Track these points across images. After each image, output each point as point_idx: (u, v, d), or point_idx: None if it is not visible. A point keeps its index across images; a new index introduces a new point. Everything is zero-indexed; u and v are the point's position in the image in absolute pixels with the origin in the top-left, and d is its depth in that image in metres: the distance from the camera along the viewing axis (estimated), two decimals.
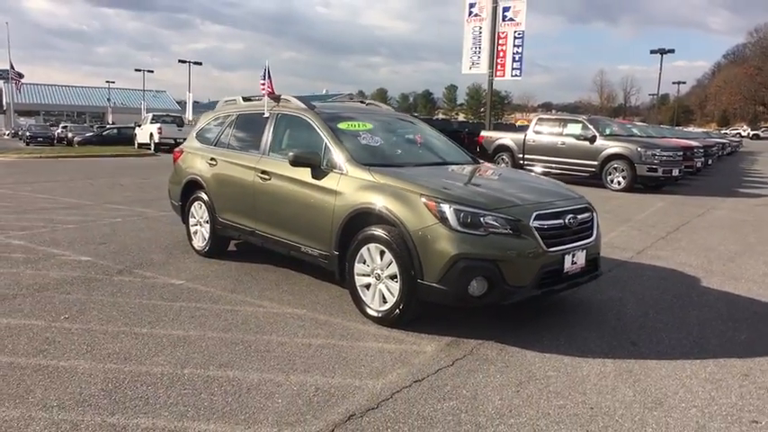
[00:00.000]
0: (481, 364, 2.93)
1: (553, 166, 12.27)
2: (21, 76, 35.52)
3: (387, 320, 3.37)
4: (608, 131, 12.61)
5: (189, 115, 31.63)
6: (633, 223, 7.53)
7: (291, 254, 4.14)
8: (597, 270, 3.71)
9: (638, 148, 11.38)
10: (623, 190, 11.28)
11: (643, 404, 2.55)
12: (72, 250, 5.19)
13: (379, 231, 3.38)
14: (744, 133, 60.94)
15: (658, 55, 37.88)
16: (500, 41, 15.40)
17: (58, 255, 5.01)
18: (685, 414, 2.48)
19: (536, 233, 3.21)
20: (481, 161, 4.72)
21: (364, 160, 3.77)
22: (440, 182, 3.52)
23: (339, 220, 3.61)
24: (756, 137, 62.07)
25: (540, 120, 13.57)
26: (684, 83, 60.76)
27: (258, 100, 4.90)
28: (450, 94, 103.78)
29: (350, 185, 3.62)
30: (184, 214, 5.23)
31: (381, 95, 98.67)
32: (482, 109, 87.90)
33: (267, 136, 4.44)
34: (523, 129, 16.28)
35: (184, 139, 21.79)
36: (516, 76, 15.45)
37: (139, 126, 24.86)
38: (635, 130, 15.40)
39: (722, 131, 52.64)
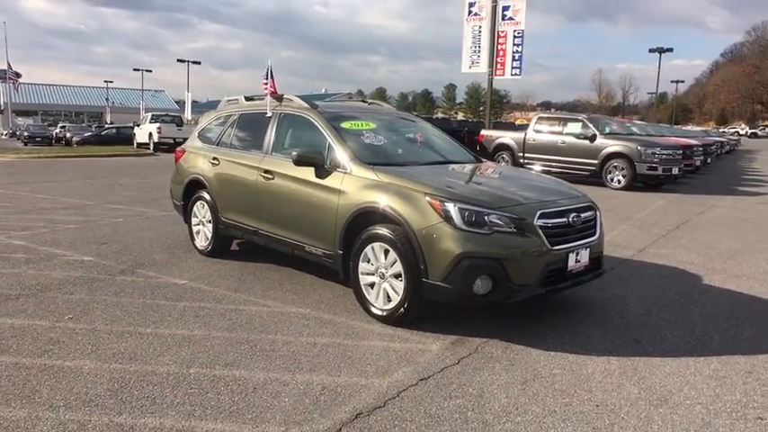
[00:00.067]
0: (486, 363, 2.94)
1: (553, 164, 12.28)
2: (18, 75, 35.43)
3: (391, 319, 3.38)
4: (608, 130, 12.63)
5: (188, 115, 31.60)
6: (634, 221, 7.55)
7: (295, 253, 4.14)
8: (600, 268, 3.72)
9: (638, 147, 11.40)
10: (623, 188, 11.30)
11: (648, 401, 2.56)
12: (74, 250, 5.18)
13: (383, 230, 3.38)
14: (742, 132, 61.06)
15: (656, 54, 37.96)
16: (500, 40, 15.41)
17: (60, 255, 5.01)
18: (690, 411, 2.49)
19: (540, 232, 3.21)
20: (484, 160, 4.72)
21: (368, 159, 3.78)
22: (444, 181, 3.53)
23: (343, 219, 3.61)
24: (754, 135, 62.23)
25: (540, 119, 13.58)
26: (683, 81, 60.90)
27: (260, 99, 4.90)
28: (450, 94, 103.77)
29: (354, 184, 3.62)
30: (187, 214, 5.23)
31: (380, 95, 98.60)
32: (481, 108, 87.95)
33: (270, 135, 4.44)
34: (523, 128, 16.31)
35: (184, 139, 21.70)
36: (516, 75, 15.46)
37: (138, 126, 24.82)
38: (634, 129, 15.43)
39: (720, 130, 52.77)
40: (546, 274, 3.23)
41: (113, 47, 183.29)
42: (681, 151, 12.22)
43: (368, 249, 3.48)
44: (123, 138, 26.20)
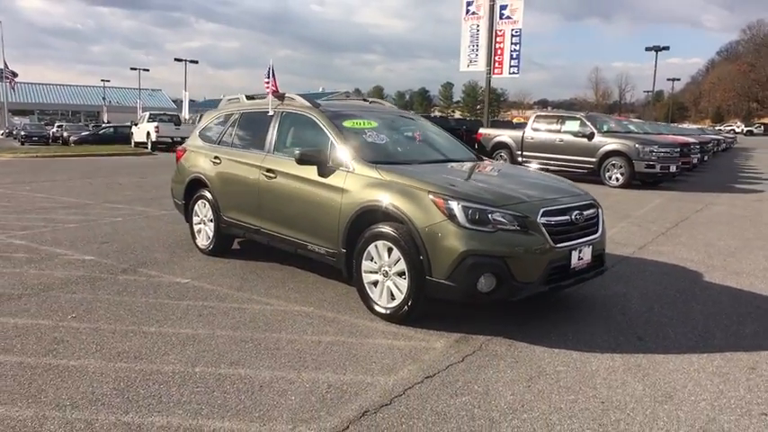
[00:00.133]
0: (491, 360, 2.95)
1: (551, 162, 12.31)
2: (15, 75, 35.22)
3: (395, 317, 3.38)
4: (605, 128, 12.66)
5: (185, 114, 31.51)
6: (633, 219, 7.57)
7: (298, 252, 4.14)
8: (603, 266, 3.74)
9: (636, 145, 11.44)
10: (621, 186, 11.34)
11: (653, 398, 2.58)
12: (75, 249, 5.17)
13: (386, 228, 3.39)
14: (738, 130, 61.33)
15: (653, 52, 38.05)
16: (497, 39, 15.42)
17: (61, 254, 4.99)
18: (695, 407, 2.51)
19: (543, 229, 3.23)
20: (485, 158, 4.73)
21: (370, 158, 3.78)
22: (447, 179, 3.53)
23: (346, 217, 3.61)
24: (750, 133, 62.46)
25: (538, 117, 13.60)
26: (679, 80, 61.06)
27: (262, 98, 4.89)
28: (447, 92, 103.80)
29: (357, 183, 3.62)
30: (188, 213, 5.22)
31: (378, 93, 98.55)
32: (478, 106, 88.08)
33: (272, 134, 4.43)
34: (521, 126, 16.32)
35: (182, 138, 21.68)
36: (514, 73, 15.47)
37: (136, 125, 24.73)
38: (632, 127, 15.46)
39: (716, 128, 52.96)
40: (549, 271, 3.24)
41: (110, 46, 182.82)
42: (678, 149, 12.27)
43: (371, 248, 3.48)
44: (121, 137, 26.10)
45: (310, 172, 3.89)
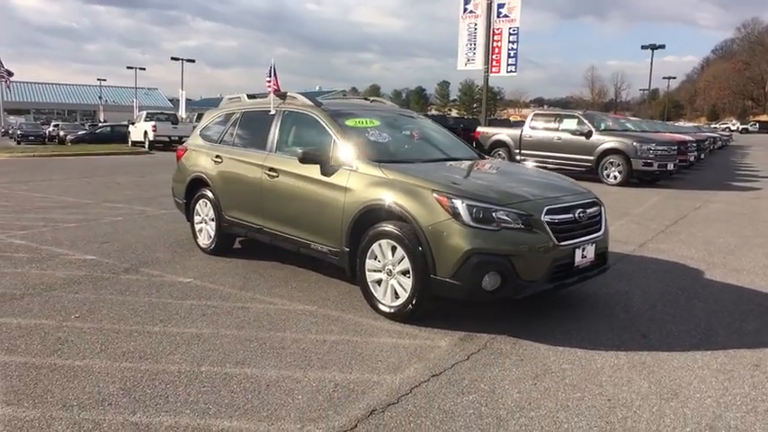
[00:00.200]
0: (496, 358, 2.96)
1: (550, 161, 12.33)
2: (10, 74, 34.94)
3: (399, 316, 3.39)
4: (603, 126, 12.69)
5: (182, 113, 31.37)
6: (632, 217, 7.60)
7: (300, 251, 4.14)
8: (605, 264, 3.75)
9: (634, 143, 11.48)
10: (619, 184, 11.38)
11: (659, 395, 2.59)
12: (75, 249, 5.15)
13: (390, 227, 3.39)
14: (733, 127, 61.60)
15: (648, 50, 38.14)
16: (495, 38, 15.43)
17: (62, 254, 4.97)
18: (701, 404, 2.52)
19: (547, 228, 3.23)
20: (486, 156, 4.74)
21: (373, 157, 3.78)
22: (450, 177, 3.54)
23: (349, 216, 3.61)
24: (745, 131, 62.82)
25: (536, 115, 13.63)
26: (674, 78, 61.26)
27: (263, 97, 4.88)
28: (443, 91, 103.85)
29: (360, 182, 3.62)
30: (189, 212, 5.21)
31: (374, 92, 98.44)
32: (475, 105, 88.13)
33: (274, 133, 4.42)
34: (519, 124, 16.35)
35: (179, 137, 21.57)
36: (512, 72, 15.49)
37: (133, 124, 24.61)
38: (629, 125, 15.51)
39: (712, 126, 53.19)
40: (553, 269, 3.25)
41: (106, 45, 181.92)
42: (676, 147, 12.31)
43: (375, 246, 3.49)
44: (118, 136, 25.97)
45: (313, 171, 3.88)
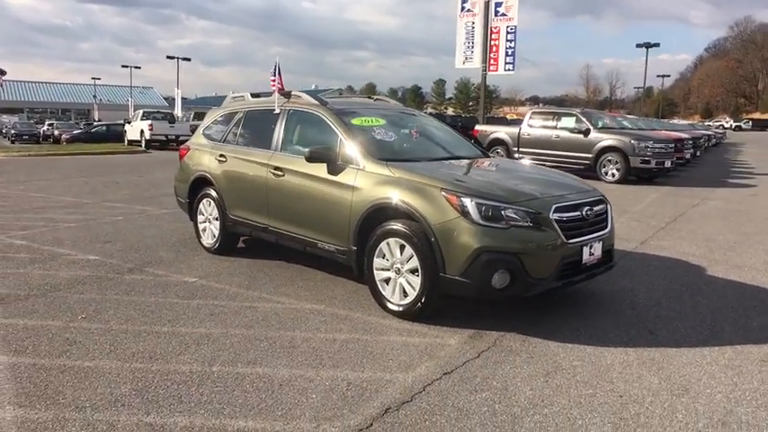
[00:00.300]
0: (506, 356, 2.97)
1: (548, 159, 12.36)
2: (3, 72, 34.57)
3: (408, 314, 3.39)
4: (601, 124, 12.74)
5: (178, 112, 31.20)
6: (631, 214, 7.64)
7: (306, 250, 4.13)
8: (612, 261, 3.77)
9: (632, 141, 11.53)
10: (617, 182, 11.43)
11: (670, 391, 2.61)
12: (77, 249, 5.11)
13: (398, 226, 3.39)
14: (727, 125, 62.04)
15: (642, 48, 38.26)
16: (493, 36, 15.45)
17: (64, 254, 4.94)
18: (712, 400, 2.54)
19: (556, 225, 3.25)
20: (491, 154, 4.75)
21: (380, 155, 3.78)
22: (458, 175, 3.54)
23: (357, 215, 3.61)
24: (739, 128, 63.26)
25: (534, 113, 13.66)
26: (669, 76, 61.62)
27: (266, 96, 4.87)
28: (439, 89, 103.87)
29: (367, 180, 3.62)
30: (192, 211, 5.19)
31: (370, 90, 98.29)
32: (471, 103, 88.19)
33: (279, 132, 4.41)
34: (516, 122, 16.39)
35: (176, 136, 21.44)
36: (509, 70, 15.52)
37: (129, 123, 24.46)
38: (626, 123, 15.59)
39: (706, 123, 53.55)
40: (562, 267, 3.27)
41: (100, 43, 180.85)
42: (673, 145, 12.38)
43: (383, 245, 3.49)
44: (113, 135, 25.81)
45: (319, 170, 3.87)
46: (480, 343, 3.12)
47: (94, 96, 52.50)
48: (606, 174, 11.69)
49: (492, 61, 15.51)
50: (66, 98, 60.79)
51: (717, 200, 9.41)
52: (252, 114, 4.85)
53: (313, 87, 61.91)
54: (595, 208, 3.56)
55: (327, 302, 3.76)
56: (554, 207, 3.29)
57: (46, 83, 63.30)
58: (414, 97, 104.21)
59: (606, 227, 3.66)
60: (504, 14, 15.28)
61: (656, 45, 38.00)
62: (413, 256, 3.33)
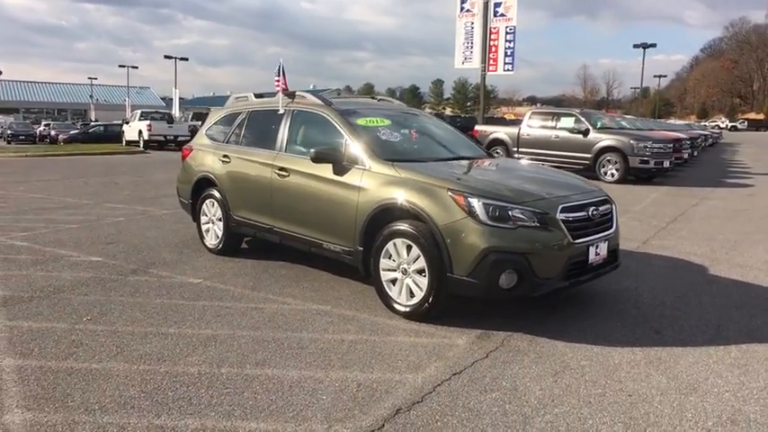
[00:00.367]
0: (515, 356, 2.97)
1: (548, 159, 12.38)
2: None
3: (415, 315, 3.39)
4: (600, 125, 12.78)
5: (176, 112, 31.11)
6: (632, 214, 7.66)
7: (312, 250, 4.13)
8: (617, 261, 3.78)
9: (631, 141, 11.57)
10: (616, 182, 11.46)
11: (678, 390, 2.62)
12: (80, 251, 5.09)
13: (405, 226, 3.39)
14: (722, 125, 62.33)
15: (638, 49, 38.35)
16: (492, 37, 15.47)
17: (67, 256, 4.92)
18: (720, 399, 2.55)
19: (563, 225, 3.25)
20: (495, 155, 4.75)
21: (386, 156, 3.78)
22: (464, 176, 3.55)
23: (363, 215, 3.61)
24: (734, 128, 63.61)
25: (533, 114, 13.69)
26: (665, 76, 61.79)
27: (270, 96, 4.86)
28: (437, 89, 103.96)
29: (373, 181, 3.62)
30: (195, 212, 5.17)
31: (368, 90, 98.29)
32: (469, 103, 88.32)
33: (283, 132, 4.40)
34: (515, 122, 16.42)
35: (175, 136, 21.37)
36: (508, 70, 15.55)
37: (127, 123, 24.38)
38: (624, 123, 15.63)
39: (702, 123, 53.78)
40: (569, 267, 3.28)
41: (96, 43, 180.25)
42: (671, 145, 12.43)
43: (389, 245, 3.49)
44: (111, 135, 25.70)
45: (325, 170, 3.87)
46: (488, 343, 3.13)
47: (91, 96, 52.26)
48: (605, 174, 11.73)
49: (491, 61, 15.54)
50: (63, 98, 60.49)
51: (715, 199, 9.45)
52: (255, 115, 4.85)
53: (311, 87, 61.81)
54: (601, 208, 3.58)
55: (333, 303, 3.75)
56: (561, 207, 3.30)
57: (42, 83, 62.96)
58: (412, 97, 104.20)
59: (611, 227, 3.68)
60: (503, 15, 15.31)
61: (653, 45, 38.09)
62: (420, 256, 3.33)
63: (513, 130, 13.67)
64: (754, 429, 2.31)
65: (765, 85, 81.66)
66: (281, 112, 4.49)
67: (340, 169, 3.80)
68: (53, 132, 29.98)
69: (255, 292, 3.97)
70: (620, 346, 3.13)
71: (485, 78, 16.25)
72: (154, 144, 21.47)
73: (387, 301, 3.56)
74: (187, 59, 39.01)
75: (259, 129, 4.73)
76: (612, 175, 11.65)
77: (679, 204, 8.73)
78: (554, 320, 3.49)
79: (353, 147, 3.84)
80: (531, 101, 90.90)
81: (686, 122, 43.53)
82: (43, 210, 7.32)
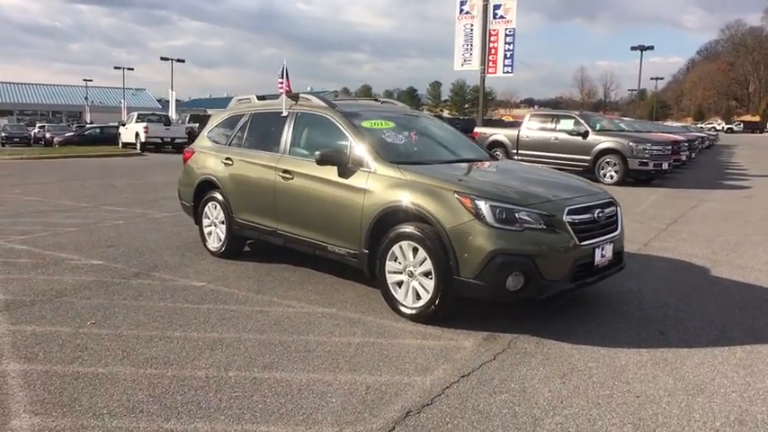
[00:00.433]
0: (522, 358, 2.98)
1: (547, 161, 12.42)
2: None
3: (421, 317, 3.39)
4: (599, 127, 12.83)
5: (172, 114, 31.04)
6: (633, 216, 7.69)
7: (316, 253, 4.12)
8: (622, 262, 3.79)
9: (630, 143, 11.62)
10: (616, 184, 11.49)
11: (685, 391, 2.63)
12: (80, 254, 5.07)
13: (411, 228, 3.39)
14: (719, 127, 62.72)
15: (635, 51, 38.60)
16: (491, 39, 15.53)
17: (67, 259, 4.89)
18: (727, 399, 2.56)
19: (569, 228, 3.26)
20: (499, 157, 4.77)
21: (391, 158, 3.78)
22: (470, 178, 3.56)
23: (369, 218, 3.61)
24: (730, 130, 64.00)
25: (533, 116, 13.74)
26: (662, 78, 62.15)
27: (273, 99, 4.86)
28: (435, 91, 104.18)
29: (379, 183, 3.62)
30: (197, 215, 5.16)
31: (366, 92, 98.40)
32: (466, 105, 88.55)
33: (287, 135, 4.40)
34: (514, 124, 16.46)
35: (172, 139, 21.26)
36: (508, 72, 15.60)
37: (124, 125, 24.29)
38: (623, 126, 15.71)
39: (698, 125, 54.11)
40: (575, 269, 3.28)
41: (90, 44, 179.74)
42: (670, 147, 12.50)
43: (395, 248, 3.48)
44: (107, 137, 25.61)
45: (330, 173, 3.87)
46: (495, 345, 3.13)
47: (86, 98, 52.01)
48: (605, 176, 11.77)
49: (491, 64, 15.59)
50: (57, 100, 60.16)
51: (714, 201, 9.50)
52: (258, 117, 4.84)
53: (308, 89, 61.78)
54: (606, 210, 3.59)
55: (339, 306, 3.75)
56: (567, 209, 3.31)
57: (36, 84, 62.58)
58: (409, 99, 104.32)
59: (616, 229, 3.69)
60: (502, 17, 15.37)
61: (651, 48, 38.36)
62: (426, 258, 3.33)
63: (512, 132, 13.71)
64: (762, 430, 2.32)
65: (761, 87, 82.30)
66: (285, 114, 4.48)
67: (345, 172, 3.80)
68: (48, 135, 29.85)
69: (260, 296, 3.96)
70: (625, 348, 3.14)
71: (484, 80, 16.30)
72: (151, 146, 21.37)
73: (392, 303, 3.55)
74: (183, 61, 39.00)
75: (262, 131, 4.72)
76: (612, 177, 11.69)
77: (678, 206, 8.77)
78: (560, 322, 3.50)
79: (358, 149, 3.84)
80: (529, 103, 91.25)
81: (683, 124, 43.76)
82: (40, 213, 7.29)
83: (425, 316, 3.37)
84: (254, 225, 4.57)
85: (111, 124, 28.85)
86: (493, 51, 15.45)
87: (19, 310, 3.60)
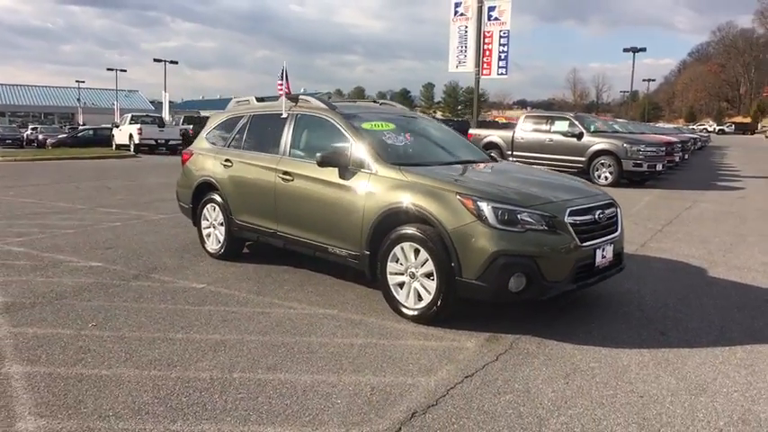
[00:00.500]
0: (525, 358, 2.99)
1: (542, 162, 12.50)
2: None
3: (423, 318, 3.40)
4: (593, 128, 12.93)
5: (166, 115, 30.87)
6: (628, 217, 7.72)
7: (316, 254, 4.12)
8: (622, 263, 3.83)
9: (624, 144, 11.72)
10: (610, 185, 11.56)
11: (688, 391, 2.66)
12: (78, 256, 5.03)
13: (413, 230, 3.40)
14: (710, 128, 63.31)
15: (627, 53, 38.88)
16: (486, 40, 15.60)
17: (66, 261, 4.86)
18: (729, 399, 2.59)
19: (571, 229, 3.29)
20: (499, 159, 4.79)
21: (391, 159, 3.79)
22: (471, 179, 3.57)
23: (370, 219, 3.61)
24: (722, 132, 64.61)
25: (527, 117, 13.81)
26: (654, 80, 62.65)
27: (272, 100, 4.86)
28: (428, 93, 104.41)
29: (380, 185, 3.63)
30: (196, 217, 5.14)
31: (359, 94, 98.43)
32: (459, 107, 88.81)
33: (287, 136, 4.40)
34: (509, 126, 16.53)
35: (166, 140, 21.12)
36: (502, 74, 15.67)
37: (118, 126, 24.13)
38: (617, 127, 15.83)
39: (690, 127, 54.62)
40: (576, 270, 3.31)
41: (82, 46, 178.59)
42: (664, 148, 12.61)
43: (397, 249, 3.49)
44: (100, 139, 25.43)
45: (330, 174, 3.87)
46: (497, 346, 3.14)
47: (78, 100, 51.57)
48: (599, 177, 11.85)
49: (485, 65, 15.66)
50: (49, 101, 59.58)
51: (707, 202, 9.59)
52: (258, 119, 4.83)
53: (301, 91, 61.74)
54: (606, 211, 3.62)
55: (340, 307, 3.75)
56: (568, 210, 3.33)
57: (28, 86, 61.98)
58: (402, 101, 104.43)
59: (617, 230, 3.72)
60: (497, 19, 15.44)
61: (643, 50, 38.63)
62: (428, 260, 3.34)
63: (507, 133, 13.77)
64: (765, 429, 2.35)
65: (752, 89, 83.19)
66: (285, 116, 4.48)
67: (346, 173, 3.80)
68: (41, 136, 29.59)
69: (261, 297, 3.95)
70: (627, 348, 3.16)
71: (479, 82, 16.36)
72: (144, 148, 21.25)
73: (394, 304, 3.56)
74: (177, 63, 38.81)
75: (261, 133, 4.72)
76: (606, 178, 11.77)
77: (673, 207, 8.85)
78: (561, 323, 3.52)
79: (359, 151, 3.85)
80: (522, 104, 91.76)
81: (675, 126, 44.16)
82: (36, 215, 7.22)
83: (427, 317, 3.38)
84: (254, 227, 4.56)
85: (104, 126, 28.65)
86: (487, 53, 15.52)
87: (19, 312, 3.58)
